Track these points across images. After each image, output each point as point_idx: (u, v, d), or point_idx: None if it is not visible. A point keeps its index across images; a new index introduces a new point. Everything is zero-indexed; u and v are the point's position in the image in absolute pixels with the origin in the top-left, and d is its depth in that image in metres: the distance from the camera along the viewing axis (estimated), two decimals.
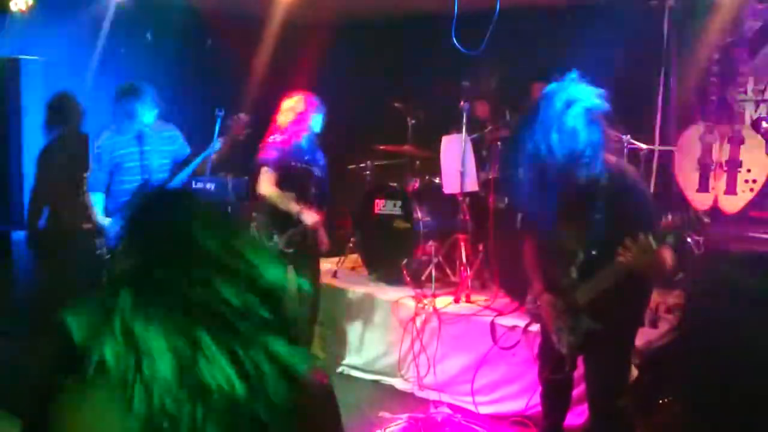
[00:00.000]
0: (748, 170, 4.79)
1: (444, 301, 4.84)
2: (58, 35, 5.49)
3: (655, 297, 4.06)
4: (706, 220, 2.67)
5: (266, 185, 4.52)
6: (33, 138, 5.46)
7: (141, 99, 4.46)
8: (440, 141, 5.29)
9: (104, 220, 4.58)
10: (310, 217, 4.46)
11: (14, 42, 5.41)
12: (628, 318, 3.12)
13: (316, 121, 4.60)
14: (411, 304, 4.79)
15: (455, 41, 3.91)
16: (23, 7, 5.25)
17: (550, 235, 3.10)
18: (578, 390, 3.48)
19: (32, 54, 5.49)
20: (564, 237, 3.05)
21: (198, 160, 4.55)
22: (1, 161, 5.49)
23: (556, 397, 3.38)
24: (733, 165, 4.83)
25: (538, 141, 2.80)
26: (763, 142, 4.79)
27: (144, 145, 4.50)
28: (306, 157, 4.62)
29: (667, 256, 2.79)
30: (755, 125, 4.86)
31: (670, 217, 2.70)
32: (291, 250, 4.51)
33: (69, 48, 5.60)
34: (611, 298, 2.93)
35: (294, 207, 4.47)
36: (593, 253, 2.96)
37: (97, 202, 4.60)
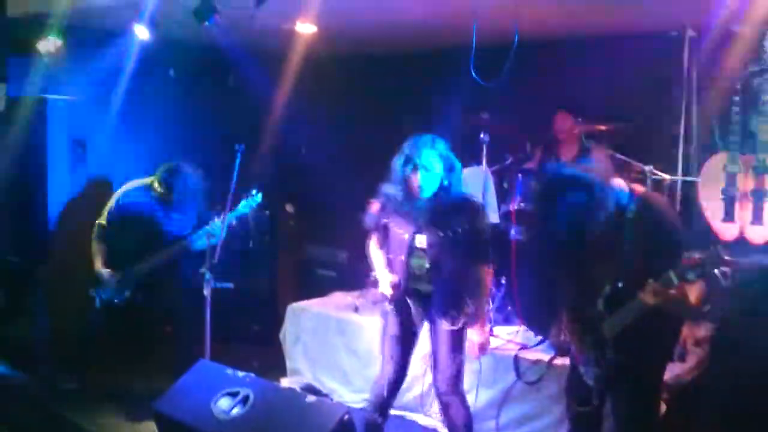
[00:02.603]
0: None
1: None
2: (84, 74, 5.59)
3: (684, 330, 3.98)
4: (727, 257, 2.63)
5: (369, 247, 3.86)
6: (57, 175, 5.55)
7: (175, 189, 4.60)
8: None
9: (104, 272, 4.61)
10: (383, 285, 3.64)
11: (41, 81, 5.52)
12: (657, 352, 3.06)
13: (428, 181, 3.59)
14: None
15: (474, 73, 3.93)
16: (52, 50, 5.32)
17: (578, 266, 3.08)
18: (607, 425, 3.40)
19: (58, 93, 5.60)
20: (591, 269, 3.02)
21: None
22: (26, 198, 5.58)
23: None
24: (759, 194, 4.77)
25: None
26: None
27: (172, 214, 4.66)
28: (421, 221, 3.60)
29: (692, 291, 2.75)
30: None
31: (691, 253, 2.67)
32: (392, 324, 3.74)
33: (94, 87, 5.70)
34: (639, 331, 2.89)
35: (380, 274, 3.73)
36: (620, 285, 2.93)
37: (100, 250, 4.66)
